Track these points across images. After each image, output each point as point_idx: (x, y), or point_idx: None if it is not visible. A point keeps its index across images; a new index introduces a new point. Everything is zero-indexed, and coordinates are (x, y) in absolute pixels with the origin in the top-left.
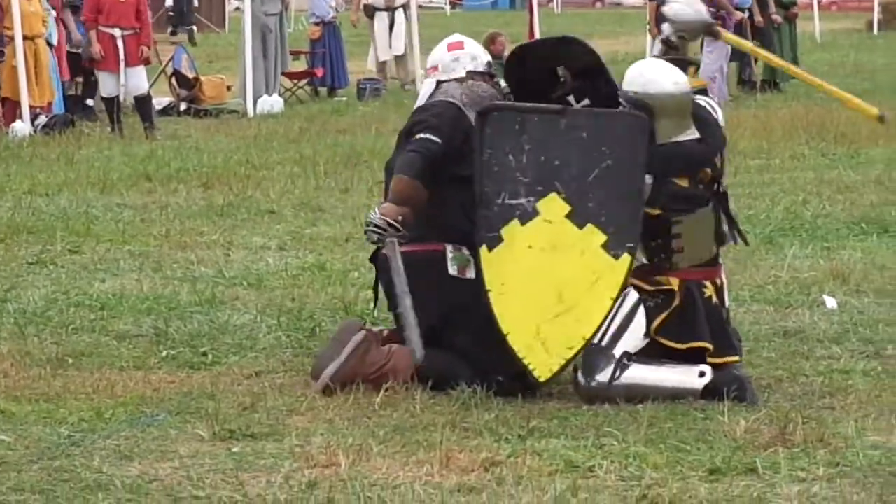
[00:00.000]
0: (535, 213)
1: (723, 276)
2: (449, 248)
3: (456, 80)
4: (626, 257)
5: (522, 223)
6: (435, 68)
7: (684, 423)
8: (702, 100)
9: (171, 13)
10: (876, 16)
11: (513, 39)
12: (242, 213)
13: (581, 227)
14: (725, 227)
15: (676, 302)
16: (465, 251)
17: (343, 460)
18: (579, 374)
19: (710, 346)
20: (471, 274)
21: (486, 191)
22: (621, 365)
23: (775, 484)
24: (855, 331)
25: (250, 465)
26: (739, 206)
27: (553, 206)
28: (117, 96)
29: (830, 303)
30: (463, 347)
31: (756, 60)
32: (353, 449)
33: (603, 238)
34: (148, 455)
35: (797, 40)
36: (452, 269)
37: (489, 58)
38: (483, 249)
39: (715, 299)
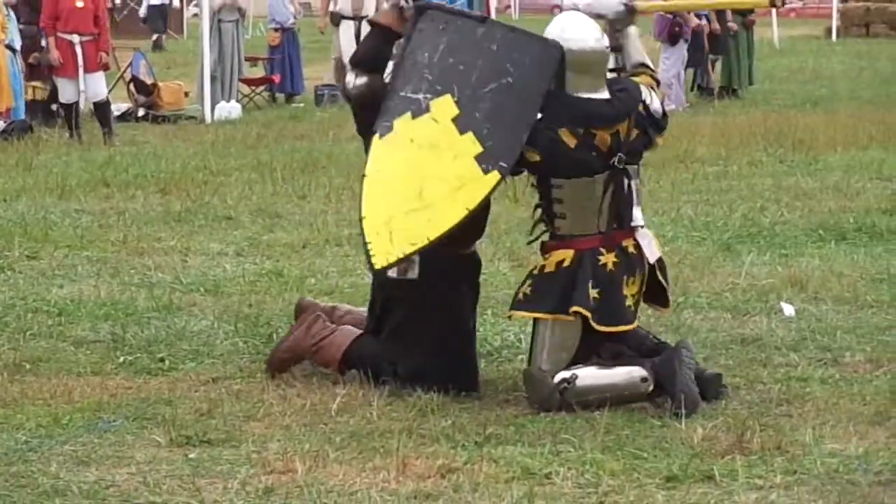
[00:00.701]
0: (427, 109)
1: (638, 237)
2: None
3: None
4: (494, 174)
5: (413, 117)
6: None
7: (641, 430)
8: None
9: (144, 21)
10: (834, 23)
11: None
12: (200, 219)
13: (462, 132)
14: (621, 210)
15: (568, 274)
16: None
17: (300, 466)
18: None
19: (587, 313)
20: (412, 275)
21: (394, 83)
22: (565, 384)
23: (733, 491)
24: (813, 338)
25: (207, 470)
26: (697, 212)
27: (444, 107)
28: (76, 102)
29: (788, 310)
30: (428, 345)
31: (713, 67)
32: (309, 455)
33: (479, 149)
34: (105, 461)
35: (754, 47)
36: (392, 272)
37: None
38: (375, 137)
39: (611, 267)
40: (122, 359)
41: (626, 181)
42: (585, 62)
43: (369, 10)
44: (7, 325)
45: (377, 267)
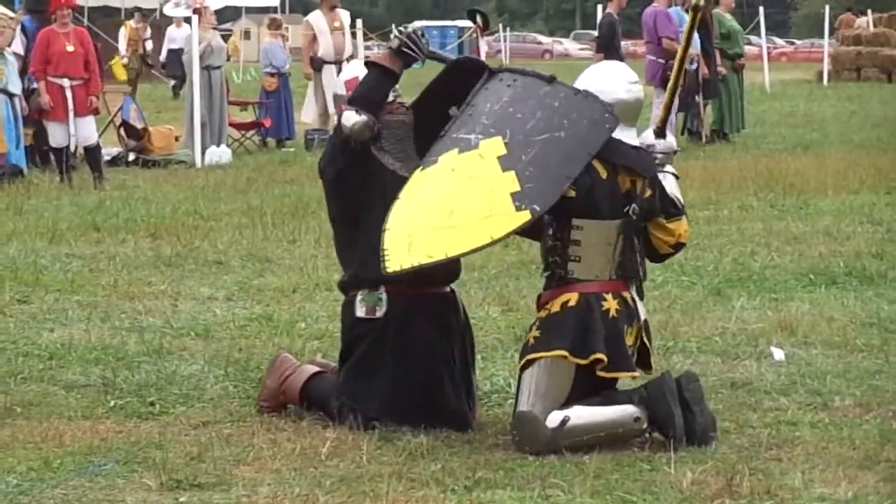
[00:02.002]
0: (475, 146)
1: (633, 291)
2: (360, 294)
3: None
4: (525, 213)
5: (460, 152)
6: (338, 107)
7: (630, 474)
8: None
9: (163, 66)
10: (826, 67)
11: None
12: (190, 263)
13: (504, 170)
14: (632, 259)
15: (572, 314)
16: (380, 291)
17: None
18: (516, 440)
19: (604, 357)
20: (380, 313)
21: (449, 129)
22: (561, 426)
23: None
24: (802, 382)
25: None
26: (687, 257)
27: (492, 146)
28: (67, 146)
29: (778, 354)
30: (379, 387)
31: (705, 111)
32: (299, 499)
33: (517, 187)
34: None
35: (744, 91)
36: (360, 311)
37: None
38: (418, 170)
39: (613, 314)
40: (112, 403)
41: (634, 233)
42: (621, 108)
43: (349, 53)
44: None
45: (388, 270)
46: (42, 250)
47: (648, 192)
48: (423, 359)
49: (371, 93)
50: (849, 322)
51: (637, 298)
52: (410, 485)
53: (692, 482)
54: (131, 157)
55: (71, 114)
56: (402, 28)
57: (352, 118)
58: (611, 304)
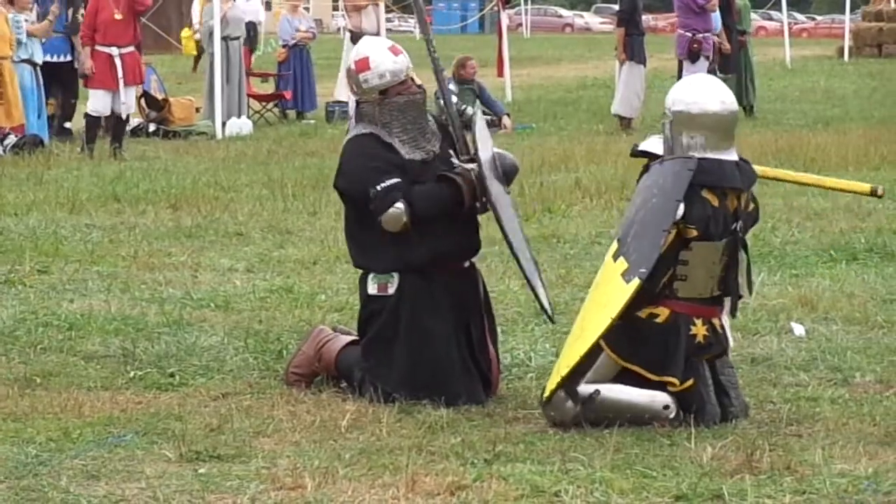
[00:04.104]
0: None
1: (723, 318)
2: (371, 272)
3: (372, 101)
4: (635, 282)
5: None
6: (351, 86)
7: (650, 449)
8: None
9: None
10: (847, 42)
11: (482, 63)
12: (210, 234)
13: (615, 259)
14: (738, 278)
15: (657, 331)
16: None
17: (309, 482)
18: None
19: (677, 381)
20: (392, 290)
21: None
22: (590, 400)
23: None
24: (823, 358)
25: (217, 486)
26: None
27: (611, 248)
28: (100, 117)
29: (798, 330)
30: (398, 361)
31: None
32: (319, 471)
33: (625, 266)
34: (115, 475)
35: (752, 66)
36: (372, 289)
37: (401, 62)
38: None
39: (700, 339)
40: (132, 374)
41: (739, 250)
42: (715, 122)
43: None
44: (18, 339)
45: (545, 400)
46: (62, 221)
47: (752, 206)
48: (435, 336)
49: (437, 214)
50: (869, 298)
51: (726, 325)
52: (430, 458)
53: (712, 457)
54: (151, 127)
55: (121, 82)
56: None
57: (401, 210)
58: (699, 329)
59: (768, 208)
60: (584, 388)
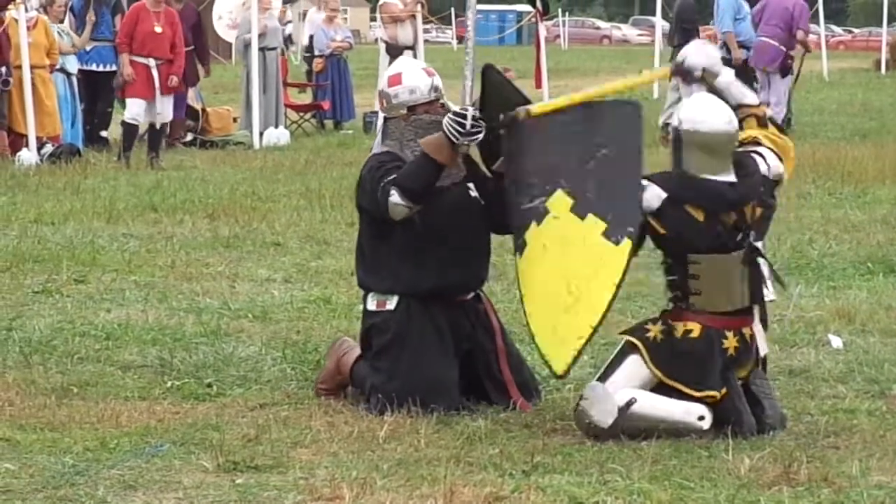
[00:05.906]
0: (546, 212)
1: (755, 327)
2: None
3: (398, 117)
4: (626, 242)
5: (538, 224)
6: (381, 102)
7: (688, 461)
8: (753, 150)
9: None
10: (884, 55)
11: (520, 75)
12: (248, 245)
13: (582, 217)
14: (754, 287)
15: (694, 347)
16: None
17: (347, 493)
18: (583, 409)
19: (717, 395)
20: (390, 306)
21: (511, 199)
22: (627, 407)
23: None
24: (860, 370)
25: (254, 497)
26: None
27: (559, 202)
28: (137, 126)
29: (836, 342)
30: (394, 374)
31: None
32: (357, 482)
33: (603, 226)
34: (152, 485)
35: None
36: (371, 305)
37: (432, 81)
38: (516, 256)
39: (731, 352)
40: (169, 384)
41: (758, 258)
42: (714, 143)
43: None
44: (55, 348)
45: (559, 373)
46: (99, 230)
47: (759, 211)
48: (427, 354)
49: (424, 187)
50: None
51: (758, 333)
52: (468, 469)
53: (750, 469)
54: (188, 137)
55: (157, 92)
56: (462, 110)
57: (398, 202)
58: (731, 342)
59: (805, 220)
60: (621, 396)
